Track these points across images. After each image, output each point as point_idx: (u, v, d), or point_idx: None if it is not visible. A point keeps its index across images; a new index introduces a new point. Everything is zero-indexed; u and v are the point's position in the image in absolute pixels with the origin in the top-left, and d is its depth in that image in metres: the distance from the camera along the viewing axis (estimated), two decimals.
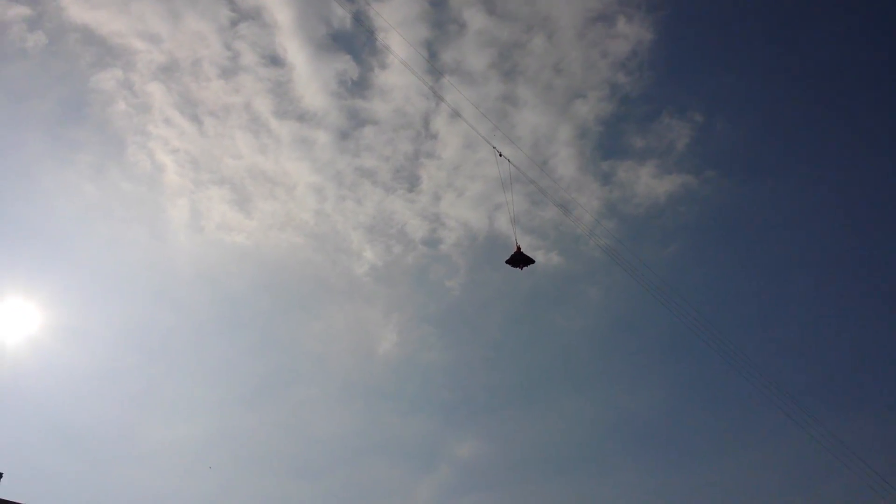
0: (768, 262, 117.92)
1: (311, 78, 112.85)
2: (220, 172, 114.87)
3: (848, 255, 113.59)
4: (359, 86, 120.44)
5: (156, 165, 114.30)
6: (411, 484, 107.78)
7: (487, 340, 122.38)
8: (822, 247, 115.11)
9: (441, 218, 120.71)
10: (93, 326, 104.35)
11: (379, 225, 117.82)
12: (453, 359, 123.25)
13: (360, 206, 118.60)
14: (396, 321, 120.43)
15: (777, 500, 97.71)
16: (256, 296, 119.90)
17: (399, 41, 33.09)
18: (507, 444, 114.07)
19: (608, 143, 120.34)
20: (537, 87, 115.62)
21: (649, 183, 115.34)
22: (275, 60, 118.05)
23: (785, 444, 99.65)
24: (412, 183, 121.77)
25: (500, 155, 31.96)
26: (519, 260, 32.85)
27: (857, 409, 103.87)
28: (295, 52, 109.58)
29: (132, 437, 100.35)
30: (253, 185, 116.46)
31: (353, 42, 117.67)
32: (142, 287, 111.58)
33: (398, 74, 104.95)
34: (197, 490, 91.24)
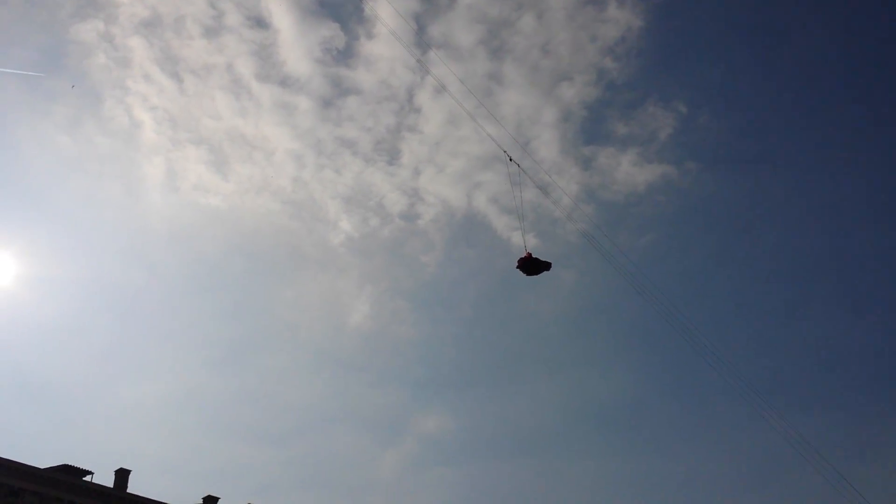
0: (744, 258, 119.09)
1: (295, 43, 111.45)
2: (198, 132, 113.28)
3: (825, 255, 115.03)
4: (344, 54, 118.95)
5: (133, 121, 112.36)
6: (376, 455, 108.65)
7: (460, 318, 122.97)
8: (799, 245, 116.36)
9: (420, 193, 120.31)
10: (64, 281, 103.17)
11: (357, 196, 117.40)
12: (425, 334, 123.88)
13: (339, 176, 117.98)
14: (370, 294, 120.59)
15: (738, 489, 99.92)
16: (230, 260, 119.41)
17: (388, 11, 32.37)
18: (475, 421, 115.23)
19: (591, 128, 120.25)
20: (524, 67, 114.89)
21: (629, 171, 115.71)
22: (260, 23, 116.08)
23: (749, 436, 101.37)
24: (393, 156, 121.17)
25: (511, 160, 30.58)
26: (532, 265, 29.74)
27: (822, 407, 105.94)
28: (281, 15, 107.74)
29: (98, 393, 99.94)
30: (231, 148, 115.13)
31: (340, 9, 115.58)
32: (114, 244, 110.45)
33: (384, 45, 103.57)
34: (161, 449, 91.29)
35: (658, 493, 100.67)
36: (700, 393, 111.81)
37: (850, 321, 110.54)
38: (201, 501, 47.56)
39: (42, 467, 38.95)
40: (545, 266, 30.04)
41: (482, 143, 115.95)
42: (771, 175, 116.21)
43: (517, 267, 29.80)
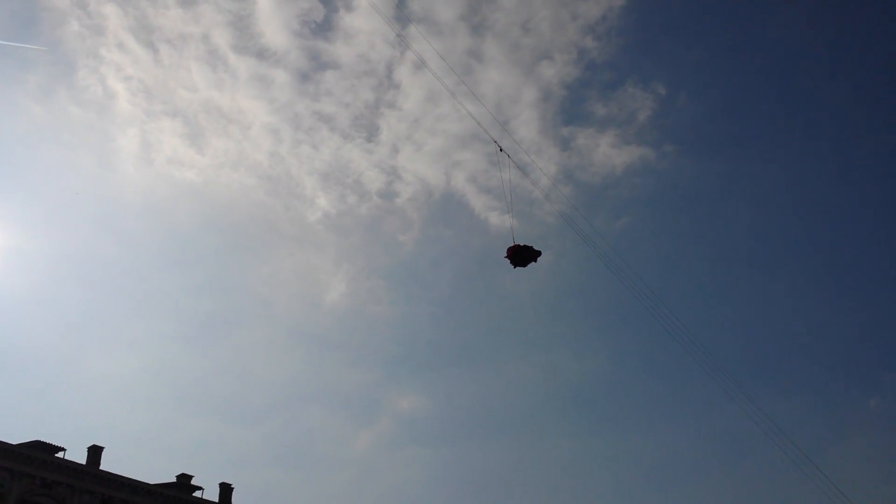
0: (719, 242, 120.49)
1: (273, 14, 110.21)
2: (173, 104, 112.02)
3: (801, 240, 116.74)
4: (322, 27, 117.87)
5: (107, 92, 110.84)
6: (350, 434, 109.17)
7: (437, 297, 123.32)
8: (775, 229, 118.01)
9: (398, 171, 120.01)
10: (35, 252, 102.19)
11: (334, 173, 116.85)
12: (401, 313, 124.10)
13: (317, 152, 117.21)
14: (346, 271, 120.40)
15: (708, 467, 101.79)
16: (204, 234, 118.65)
17: None
18: (450, 401, 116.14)
19: (570, 109, 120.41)
20: (505, 44, 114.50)
21: (608, 152, 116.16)
22: None
23: (718, 418, 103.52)
24: (371, 132, 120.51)
25: (501, 150, 30.22)
26: (521, 254, 28.93)
27: (790, 390, 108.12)
28: None
29: (70, 366, 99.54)
30: (207, 121, 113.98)
31: None
32: (87, 216, 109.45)
33: (364, 19, 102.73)
34: (134, 425, 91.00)
35: (631, 470, 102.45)
36: (673, 374, 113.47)
37: (825, 305, 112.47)
38: (175, 479, 47.54)
39: (13, 443, 38.71)
40: (534, 256, 29.05)
41: (462, 121, 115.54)
42: (748, 158, 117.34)
43: (506, 256, 29.02)
